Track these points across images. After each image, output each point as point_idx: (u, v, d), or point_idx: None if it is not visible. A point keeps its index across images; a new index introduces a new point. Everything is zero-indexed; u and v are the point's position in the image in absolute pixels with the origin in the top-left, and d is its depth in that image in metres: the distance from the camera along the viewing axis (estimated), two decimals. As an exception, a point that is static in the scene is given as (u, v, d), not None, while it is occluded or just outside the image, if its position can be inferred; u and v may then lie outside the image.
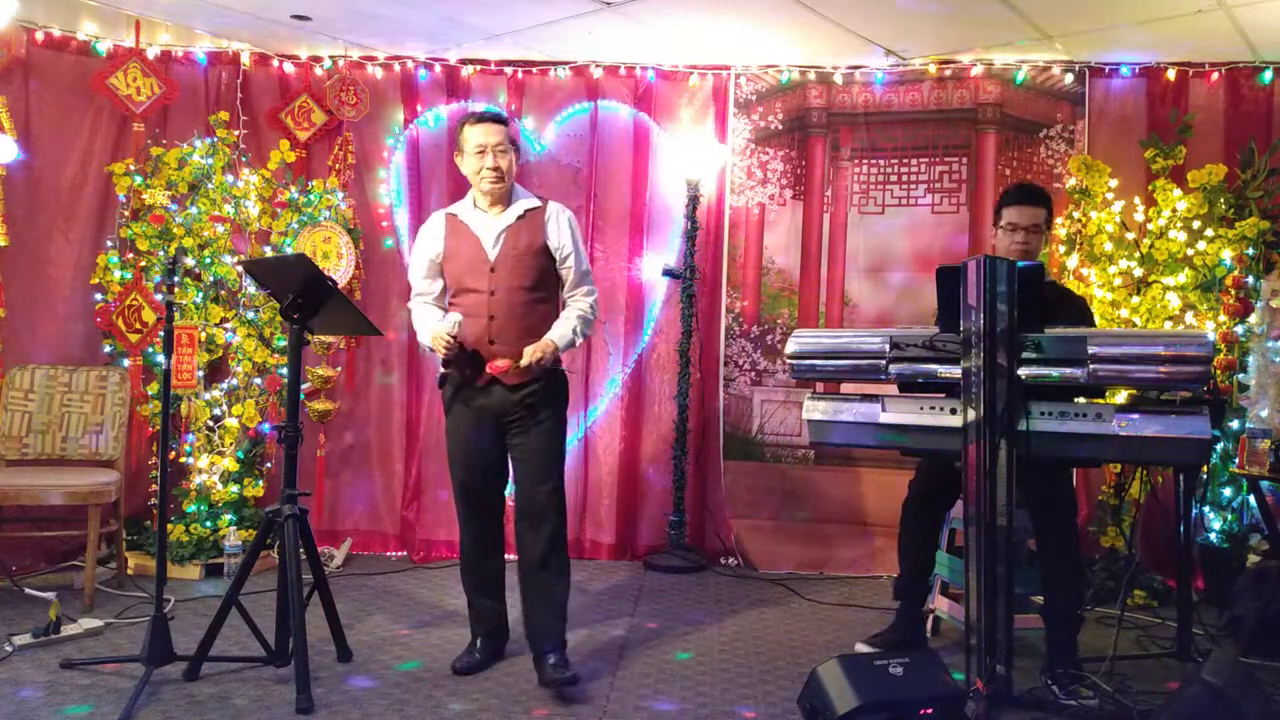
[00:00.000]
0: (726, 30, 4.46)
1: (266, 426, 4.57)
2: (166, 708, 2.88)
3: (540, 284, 3.21)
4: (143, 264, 4.41)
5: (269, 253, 4.53)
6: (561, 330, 3.19)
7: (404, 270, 4.91)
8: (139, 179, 4.42)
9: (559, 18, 4.30)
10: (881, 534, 4.57)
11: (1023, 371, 2.72)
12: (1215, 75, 4.56)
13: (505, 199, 3.24)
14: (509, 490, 3.36)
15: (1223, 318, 4.14)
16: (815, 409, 3.08)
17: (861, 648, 3.51)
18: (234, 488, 4.49)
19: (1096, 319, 4.23)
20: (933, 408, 2.89)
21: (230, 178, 4.54)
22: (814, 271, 4.93)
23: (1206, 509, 4.22)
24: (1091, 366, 2.64)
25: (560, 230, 3.24)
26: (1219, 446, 4.00)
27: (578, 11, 4.21)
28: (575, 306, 3.27)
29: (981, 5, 3.99)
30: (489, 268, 3.17)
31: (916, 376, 2.92)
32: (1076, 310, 3.43)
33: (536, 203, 3.27)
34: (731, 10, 4.19)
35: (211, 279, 4.46)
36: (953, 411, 2.82)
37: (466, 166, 3.23)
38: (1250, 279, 4.10)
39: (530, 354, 3.07)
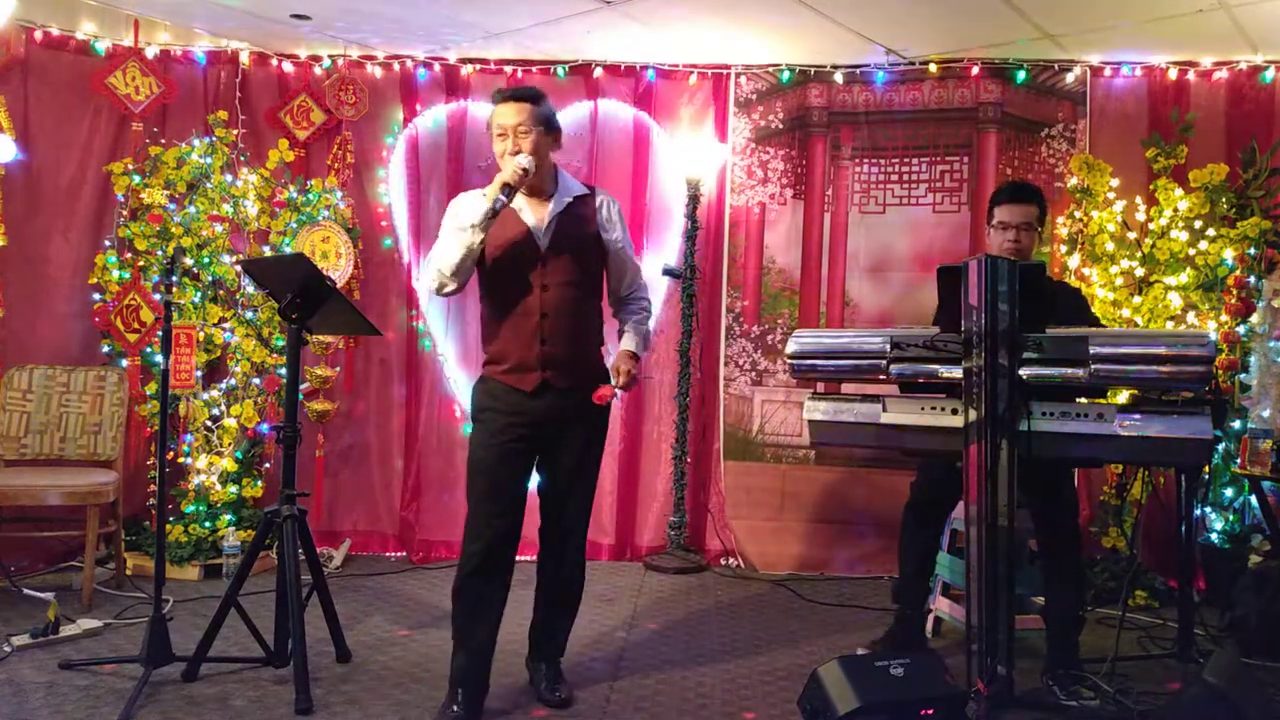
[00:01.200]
0: (727, 29, 4.45)
1: (265, 427, 4.56)
2: (165, 708, 2.87)
3: (589, 279, 2.99)
4: (141, 263, 4.40)
5: (268, 252, 4.53)
6: (636, 339, 3.03)
7: (403, 270, 4.91)
8: (137, 178, 4.41)
9: (559, 17, 4.29)
10: (882, 535, 4.56)
11: (1024, 371, 2.71)
12: (1216, 75, 4.55)
13: (548, 185, 2.96)
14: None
15: (1224, 317, 4.13)
16: (815, 409, 3.07)
17: (862, 654, 3.50)
18: (232, 488, 4.48)
19: (1096, 318, 4.24)
20: (933, 408, 2.88)
21: (229, 177, 4.53)
22: (814, 271, 4.92)
23: (1208, 509, 4.21)
24: (1093, 366, 2.63)
25: (612, 220, 3.01)
26: (1220, 447, 3.99)
27: (578, 11, 4.20)
28: (637, 306, 3.10)
29: (982, 4, 3.99)
30: (540, 259, 2.88)
31: (917, 376, 2.91)
32: (1074, 303, 3.42)
33: (584, 190, 3.03)
34: (732, 9, 4.18)
35: (210, 279, 4.45)
36: (954, 412, 2.81)
37: (495, 151, 2.93)
38: (1252, 279, 4.09)
39: (625, 374, 2.93)
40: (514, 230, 2.90)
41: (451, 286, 2.90)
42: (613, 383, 2.93)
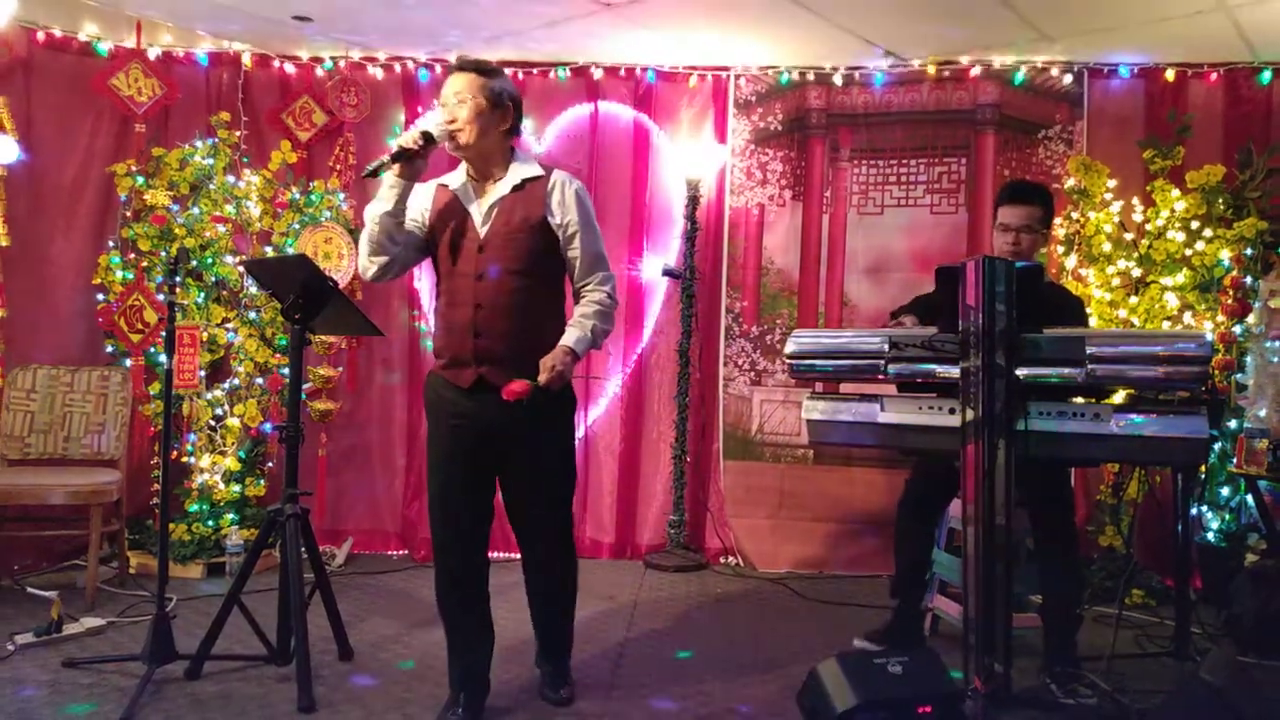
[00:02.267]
0: (726, 31, 4.47)
1: (268, 426, 4.58)
2: (168, 707, 2.89)
3: (536, 267, 2.74)
4: (144, 264, 4.42)
5: (270, 253, 4.54)
6: (577, 333, 2.73)
7: (405, 270, 4.93)
8: (140, 179, 4.43)
9: (559, 18, 4.31)
10: (881, 533, 4.57)
11: (1021, 371, 2.73)
12: (1214, 76, 4.57)
13: (495, 167, 2.77)
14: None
15: (1221, 318, 4.14)
16: (814, 409, 3.08)
17: (860, 643, 3.52)
18: (236, 487, 4.50)
19: (1095, 319, 4.25)
20: (932, 407, 2.89)
21: (231, 178, 4.55)
22: (813, 271, 4.94)
23: (1204, 508, 4.22)
24: (1090, 366, 2.65)
25: (565, 203, 2.75)
26: (1217, 446, 4.01)
27: (578, 12, 4.21)
28: (590, 299, 2.80)
29: (981, 6, 4.00)
30: (477, 247, 2.72)
31: (915, 376, 2.93)
32: (1073, 312, 3.44)
33: (538, 171, 2.79)
34: (731, 11, 4.20)
35: (213, 279, 4.47)
36: (951, 411, 2.83)
37: None
38: (1248, 279, 4.11)
39: (548, 369, 2.63)
40: (454, 215, 2.76)
41: (373, 270, 2.77)
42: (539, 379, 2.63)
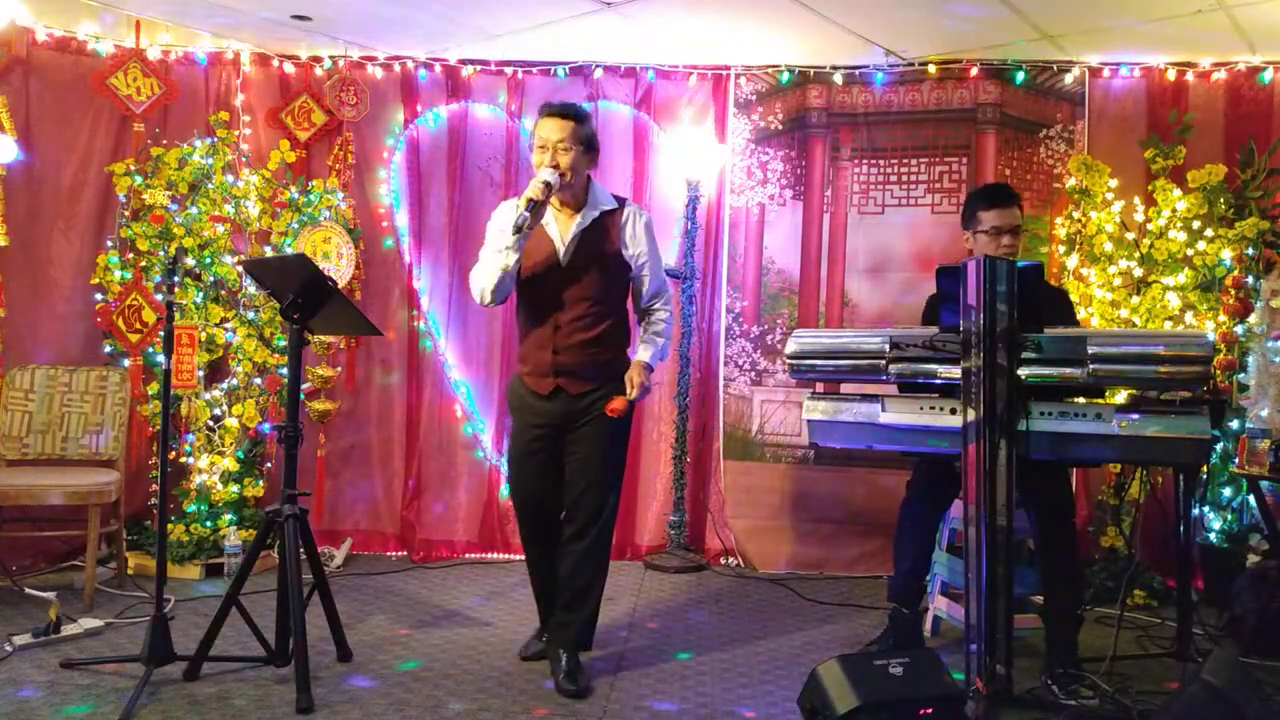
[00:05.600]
0: (726, 30, 4.46)
1: (267, 426, 4.58)
2: (166, 708, 2.88)
3: (610, 292, 3.15)
4: (143, 264, 4.41)
5: (269, 253, 4.54)
6: (652, 350, 3.20)
7: (404, 270, 4.92)
8: (139, 179, 4.42)
9: (559, 18, 4.30)
10: (881, 534, 4.56)
11: (1022, 371, 2.72)
12: (1215, 75, 4.56)
13: (579, 199, 3.13)
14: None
15: (1222, 318, 4.14)
16: (815, 409, 3.08)
17: None
18: (234, 488, 4.49)
19: (1097, 319, 4.25)
20: (933, 408, 2.88)
21: (230, 178, 4.54)
22: (814, 271, 4.93)
23: (1206, 509, 4.22)
24: (1091, 366, 2.64)
25: (637, 236, 3.16)
26: (1219, 446, 4.00)
27: (578, 11, 4.21)
28: (657, 317, 3.25)
29: (981, 5, 3.99)
30: (560, 271, 3.09)
31: (916, 376, 2.92)
32: (1053, 301, 3.40)
33: (612, 204, 3.16)
34: (731, 10, 4.19)
35: (212, 279, 4.46)
36: (953, 412, 2.82)
37: (533, 161, 3.12)
38: (1250, 279, 4.10)
39: (634, 384, 3.10)
40: (540, 243, 3.09)
41: (492, 301, 3.13)
42: (626, 393, 3.10)
